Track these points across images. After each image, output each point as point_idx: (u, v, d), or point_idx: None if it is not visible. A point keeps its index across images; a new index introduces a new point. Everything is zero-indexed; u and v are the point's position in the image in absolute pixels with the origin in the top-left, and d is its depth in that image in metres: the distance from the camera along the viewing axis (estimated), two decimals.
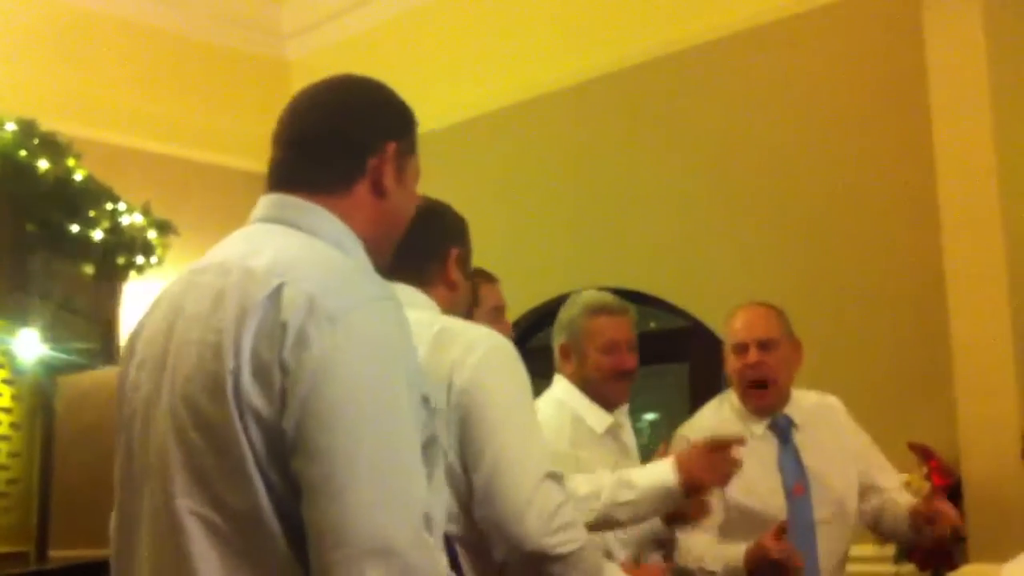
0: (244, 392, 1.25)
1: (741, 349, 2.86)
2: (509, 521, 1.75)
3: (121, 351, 1.54)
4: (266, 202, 1.49)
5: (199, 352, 1.31)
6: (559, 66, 5.20)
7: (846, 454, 2.92)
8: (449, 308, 2.02)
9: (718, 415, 2.91)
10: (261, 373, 1.25)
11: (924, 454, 3.79)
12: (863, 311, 4.09)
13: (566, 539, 1.76)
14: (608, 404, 2.71)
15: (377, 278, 1.38)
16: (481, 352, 1.86)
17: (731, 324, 2.92)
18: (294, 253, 1.36)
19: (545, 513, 1.75)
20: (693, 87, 4.74)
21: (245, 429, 1.25)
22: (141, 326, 1.49)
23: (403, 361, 1.31)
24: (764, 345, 2.84)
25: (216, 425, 1.27)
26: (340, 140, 1.48)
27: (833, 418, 2.96)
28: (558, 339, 2.77)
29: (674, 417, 6.38)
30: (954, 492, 3.63)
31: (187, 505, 1.27)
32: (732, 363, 2.88)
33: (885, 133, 4.12)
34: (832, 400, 3.01)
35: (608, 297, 2.81)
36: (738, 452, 2.42)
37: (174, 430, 1.31)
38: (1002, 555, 3.32)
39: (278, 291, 1.28)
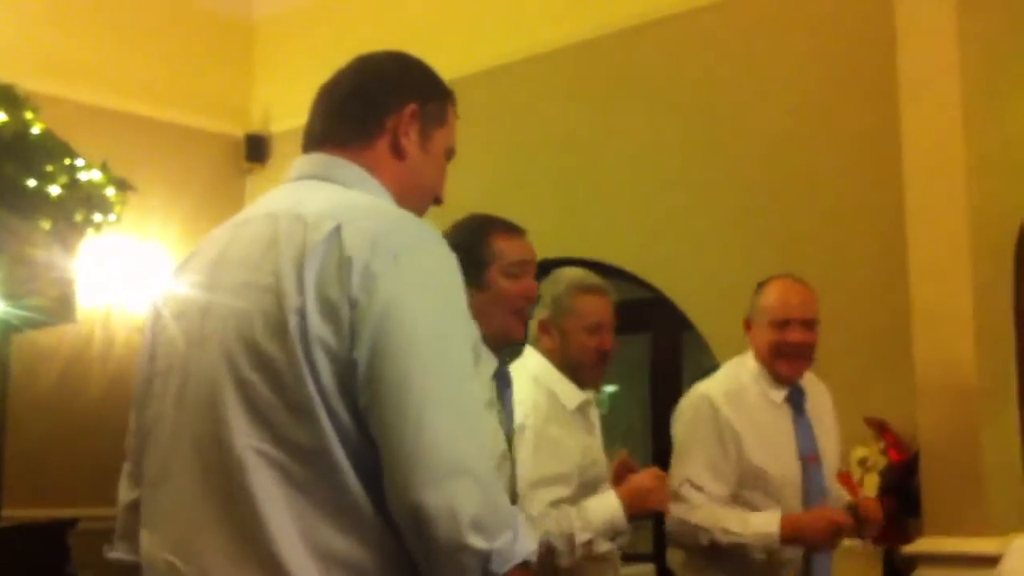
0: (311, 328, 1.28)
1: (783, 324, 2.86)
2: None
3: (150, 310, 1.54)
4: (301, 161, 1.55)
5: (256, 295, 1.33)
6: (536, 32, 5.17)
7: (833, 436, 3.00)
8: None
9: (736, 378, 2.93)
10: (329, 309, 1.28)
11: (880, 429, 3.84)
12: (824, 284, 4.10)
13: None
14: (582, 384, 2.69)
15: (423, 221, 1.43)
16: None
17: (773, 297, 2.91)
18: (343, 200, 1.41)
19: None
20: (672, 57, 4.73)
21: (312, 366, 1.27)
22: (177, 275, 1.51)
23: (461, 300, 1.38)
24: (808, 324, 2.88)
25: (278, 363, 1.29)
26: (361, 97, 1.55)
27: (826, 401, 3.02)
28: (539, 313, 2.72)
29: (635, 388, 6.42)
30: (910, 467, 3.68)
31: (247, 443, 1.29)
32: (767, 334, 2.87)
33: (855, 107, 4.14)
34: (823, 385, 3.05)
35: (594, 277, 2.78)
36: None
37: (229, 372, 1.32)
38: (958, 529, 3.37)
39: (337, 231, 1.32)
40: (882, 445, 3.77)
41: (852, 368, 3.91)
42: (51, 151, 4.43)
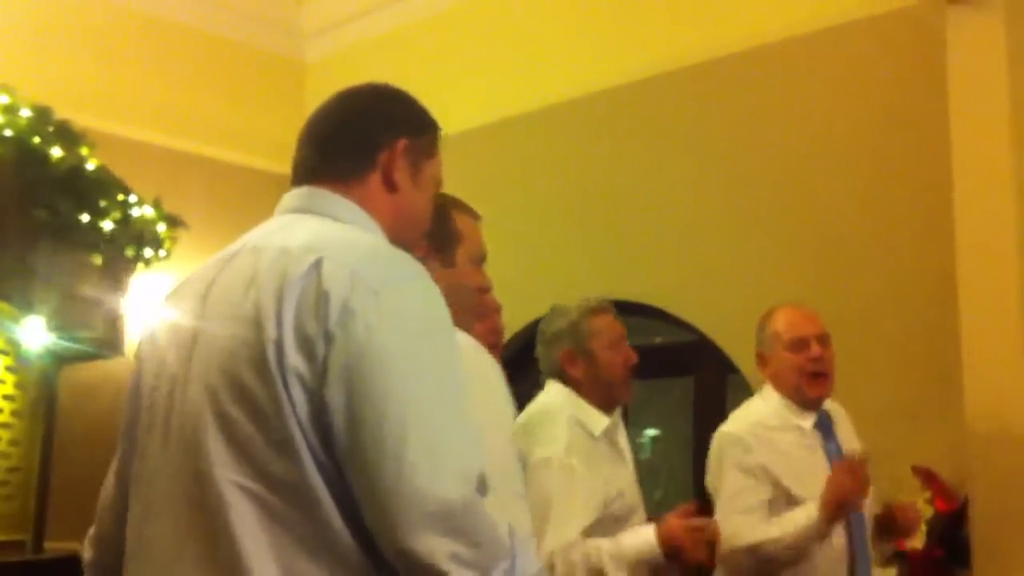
0: (288, 361, 1.27)
1: (801, 345, 2.89)
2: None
3: (139, 341, 1.57)
4: (290, 195, 1.55)
5: (236, 327, 1.33)
6: (573, 76, 5.19)
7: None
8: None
9: (756, 414, 2.94)
10: (304, 343, 1.27)
11: (927, 477, 3.77)
12: (872, 330, 4.07)
13: None
14: (612, 404, 2.74)
15: (408, 256, 1.42)
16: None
17: (784, 322, 2.95)
18: (327, 234, 1.41)
19: None
20: (707, 100, 4.73)
21: (290, 399, 1.27)
22: (161, 315, 1.53)
23: (445, 334, 1.37)
24: (822, 339, 2.91)
25: (258, 397, 1.28)
26: (353, 132, 1.56)
27: (847, 423, 3.03)
28: (559, 347, 2.77)
29: (677, 432, 6.36)
30: (958, 516, 3.60)
31: (228, 477, 1.28)
32: (788, 359, 2.90)
33: (900, 151, 4.10)
34: (837, 403, 3.06)
35: (593, 299, 2.86)
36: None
37: (210, 405, 1.32)
38: None
39: (317, 265, 1.31)
40: (928, 495, 3.70)
41: (898, 415, 3.85)
42: (105, 187, 4.52)
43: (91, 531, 1.60)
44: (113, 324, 4.71)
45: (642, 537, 2.49)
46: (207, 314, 1.40)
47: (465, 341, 1.67)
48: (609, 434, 2.70)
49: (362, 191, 1.52)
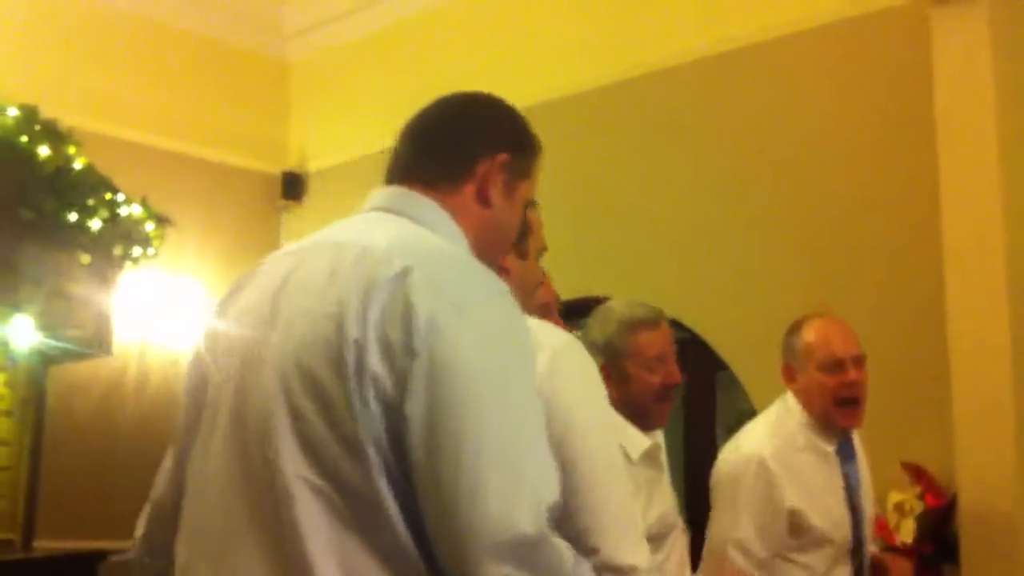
0: (367, 364, 1.25)
1: (837, 366, 2.70)
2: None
3: (205, 328, 1.51)
4: (381, 193, 1.52)
5: (317, 322, 1.30)
6: (563, 74, 5.19)
7: (868, 477, 2.90)
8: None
9: (783, 430, 2.75)
10: (387, 350, 1.25)
11: (917, 474, 3.78)
12: (860, 326, 4.06)
13: None
14: (648, 426, 2.54)
15: (493, 274, 1.39)
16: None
17: (818, 337, 2.75)
18: (414, 240, 1.38)
19: None
20: (697, 98, 4.73)
21: (363, 402, 1.24)
22: (230, 299, 1.49)
23: (526, 356, 1.34)
24: (858, 361, 2.73)
25: (332, 394, 1.26)
26: (455, 140, 1.54)
27: (862, 447, 2.90)
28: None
29: (668, 429, 6.35)
30: (947, 512, 3.62)
31: (297, 471, 1.26)
32: (820, 381, 2.70)
33: (891, 149, 4.11)
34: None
35: (641, 308, 2.62)
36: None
37: (283, 394, 1.29)
38: (996, 574, 3.31)
39: (405, 273, 1.28)
40: (918, 490, 3.71)
41: (889, 412, 3.86)
42: (92, 186, 4.49)
43: (146, 507, 1.56)
44: (101, 323, 4.69)
45: None
46: (283, 303, 1.37)
47: (565, 335, 1.65)
48: (651, 455, 2.52)
49: (455, 200, 1.49)
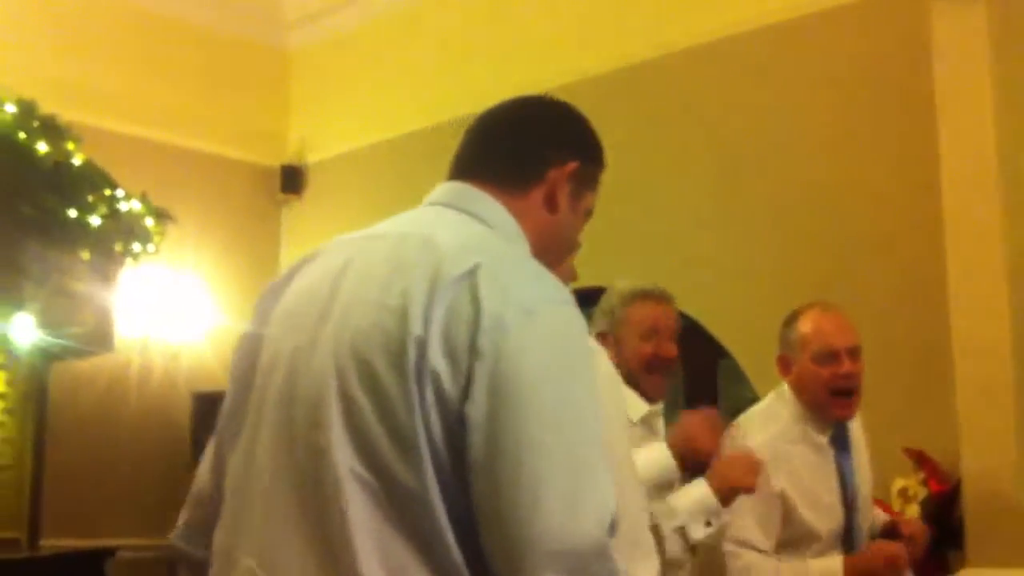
0: (429, 361, 1.22)
1: (832, 358, 2.67)
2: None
3: (257, 302, 1.49)
4: (446, 188, 1.50)
5: (377, 312, 1.28)
6: (558, 64, 5.18)
7: (866, 462, 2.86)
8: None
9: (776, 419, 2.74)
10: (450, 349, 1.23)
11: (919, 459, 3.78)
12: (862, 313, 4.06)
13: None
14: (644, 395, 2.62)
15: (557, 279, 1.36)
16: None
17: (813, 328, 2.72)
18: (476, 236, 1.38)
19: None
20: (692, 87, 4.73)
21: (422, 399, 1.22)
22: (284, 283, 1.46)
23: (588, 363, 1.31)
24: (854, 353, 2.70)
25: (389, 389, 1.23)
26: (529, 142, 1.52)
27: (860, 433, 2.86)
28: (596, 327, 2.67)
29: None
30: (951, 497, 3.62)
31: (347, 463, 1.24)
32: (814, 372, 2.67)
33: (891, 137, 4.11)
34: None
35: (649, 284, 2.73)
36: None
37: (336, 382, 1.27)
38: (1001, 561, 3.31)
39: (473, 271, 1.26)
40: (922, 476, 3.71)
41: (892, 398, 3.86)
42: (92, 181, 4.49)
43: (191, 492, 1.55)
44: (103, 319, 4.69)
45: (655, 453, 2.39)
46: (343, 289, 1.34)
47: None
48: (647, 421, 2.60)
49: (522, 203, 1.48)
